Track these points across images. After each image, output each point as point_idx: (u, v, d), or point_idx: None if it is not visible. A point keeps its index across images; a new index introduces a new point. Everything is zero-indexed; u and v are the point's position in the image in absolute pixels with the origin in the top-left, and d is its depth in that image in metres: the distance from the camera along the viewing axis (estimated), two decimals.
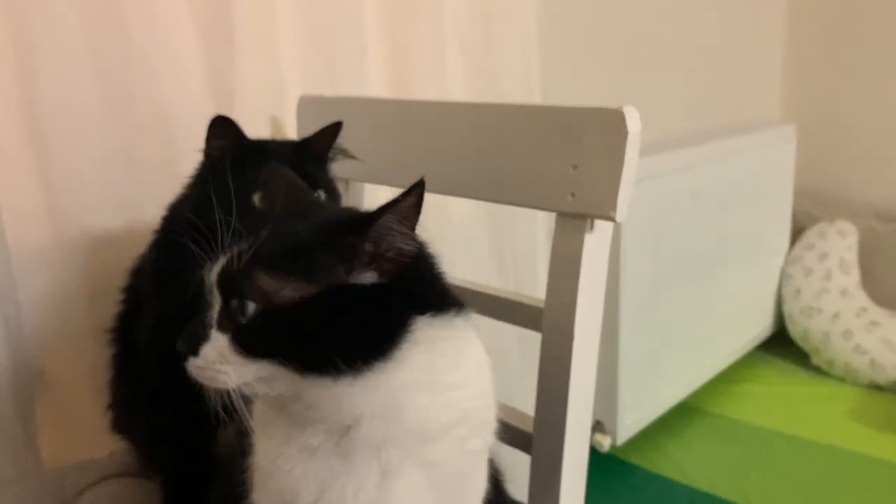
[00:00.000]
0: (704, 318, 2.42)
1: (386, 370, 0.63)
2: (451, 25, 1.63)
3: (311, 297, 0.62)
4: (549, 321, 0.98)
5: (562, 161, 0.94)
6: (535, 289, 1.82)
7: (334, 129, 1.07)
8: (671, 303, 2.26)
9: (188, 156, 1.29)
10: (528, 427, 1.02)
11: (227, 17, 1.31)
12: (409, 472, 0.67)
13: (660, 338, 2.26)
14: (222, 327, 0.64)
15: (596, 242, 0.95)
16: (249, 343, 0.63)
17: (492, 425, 0.75)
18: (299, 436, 0.66)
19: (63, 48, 1.19)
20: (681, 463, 2.18)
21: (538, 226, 1.90)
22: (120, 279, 1.17)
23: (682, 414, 2.37)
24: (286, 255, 0.64)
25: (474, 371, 0.73)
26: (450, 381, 0.69)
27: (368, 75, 1.52)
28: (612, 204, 0.90)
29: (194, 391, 1.00)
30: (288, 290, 0.62)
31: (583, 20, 2.12)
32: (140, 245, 1.18)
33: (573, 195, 0.94)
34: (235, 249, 0.66)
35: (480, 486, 0.77)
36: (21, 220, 1.19)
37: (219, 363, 0.64)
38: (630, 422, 2.16)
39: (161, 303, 1.01)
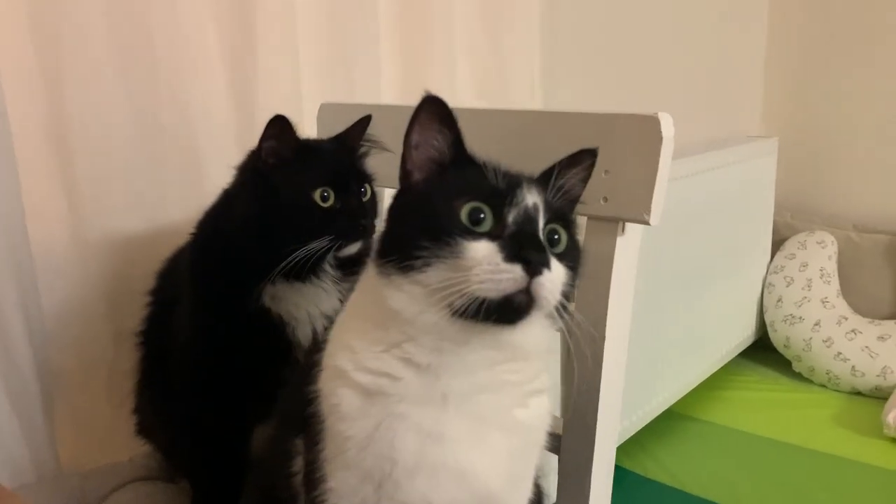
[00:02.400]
0: (690, 327, 2.46)
1: (558, 324, 0.71)
2: (461, 36, 1.67)
3: (575, 240, 0.73)
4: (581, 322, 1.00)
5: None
6: None
7: (364, 122, 1.08)
8: (658, 313, 2.30)
9: (211, 161, 1.31)
10: (557, 428, 1.04)
11: (250, 27, 1.33)
12: (499, 433, 0.71)
13: (648, 346, 2.29)
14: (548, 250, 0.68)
15: (626, 245, 0.98)
16: (570, 269, 0.69)
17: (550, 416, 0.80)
18: (430, 384, 0.68)
19: (88, 54, 1.20)
20: (671, 468, 2.21)
21: None
22: (141, 283, 1.17)
23: (670, 420, 2.40)
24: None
25: None
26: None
27: (382, 82, 1.55)
28: (647, 207, 0.93)
29: (233, 389, 1.01)
30: (570, 231, 0.72)
31: (579, 35, 2.17)
32: (162, 248, 1.19)
33: (605, 199, 0.96)
34: (552, 182, 0.73)
35: (536, 465, 0.80)
36: (44, 223, 1.19)
37: (560, 280, 0.67)
38: (621, 428, 2.19)
39: (200, 303, 1.01)
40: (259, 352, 1.00)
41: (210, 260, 1.01)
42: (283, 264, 0.94)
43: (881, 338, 2.59)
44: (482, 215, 0.67)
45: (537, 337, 0.70)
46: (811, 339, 2.67)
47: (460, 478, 0.69)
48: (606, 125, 0.96)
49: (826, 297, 2.72)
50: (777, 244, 2.90)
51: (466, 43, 1.70)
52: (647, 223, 0.94)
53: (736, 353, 2.76)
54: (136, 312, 1.18)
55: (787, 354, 2.77)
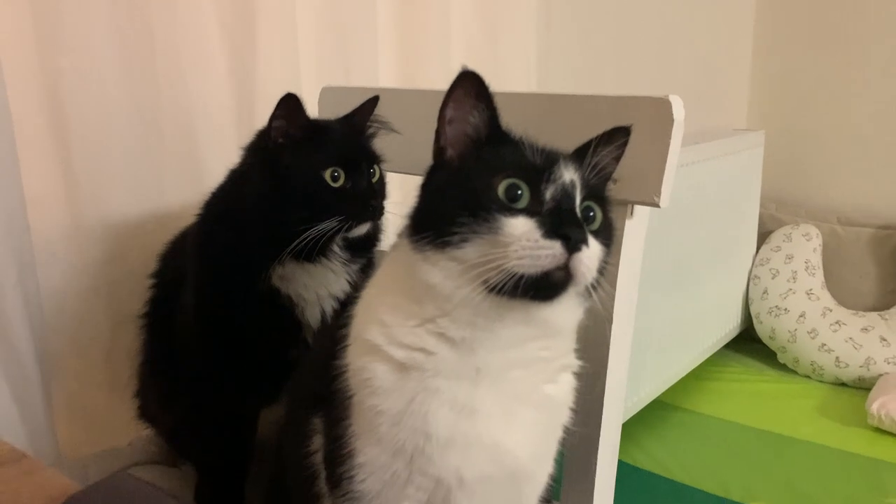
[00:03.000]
0: (676, 318, 2.48)
1: (589, 302, 0.71)
2: (456, 21, 1.67)
3: (609, 217, 0.74)
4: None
5: None
6: None
7: (372, 103, 1.08)
8: (645, 304, 2.30)
9: (209, 147, 1.30)
10: None
11: (250, 13, 1.32)
12: (530, 408, 0.72)
13: (635, 337, 2.29)
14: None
15: (635, 228, 0.99)
16: (604, 244, 0.70)
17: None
18: (466, 359, 0.68)
19: (88, 40, 1.19)
20: (659, 457, 2.23)
21: None
22: (140, 268, 1.16)
23: (658, 410, 2.41)
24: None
25: None
26: None
27: (379, 67, 1.54)
28: (657, 190, 0.93)
29: (240, 371, 1.00)
30: (605, 208, 0.73)
31: (572, 24, 2.18)
32: (161, 233, 1.18)
33: (615, 182, 0.96)
34: (588, 160, 0.73)
35: (555, 450, 0.80)
36: (42, 209, 1.18)
37: (597, 257, 0.67)
38: None
39: (208, 285, 1.00)
40: (267, 333, 0.99)
41: (218, 241, 1.00)
42: (292, 244, 0.93)
43: (865, 329, 2.63)
44: (519, 192, 0.67)
45: (569, 314, 0.71)
46: (796, 330, 2.70)
47: (493, 452, 0.69)
48: (617, 108, 0.97)
49: (811, 289, 2.75)
50: (762, 237, 2.92)
51: (462, 28, 1.70)
52: (657, 205, 0.94)
53: (722, 345, 2.79)
54: (135, 297, 1.16)
55: (773, 346, 2.80)
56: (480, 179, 0.68)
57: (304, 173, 0.95)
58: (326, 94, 1.31)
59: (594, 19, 2.27)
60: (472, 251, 0.65)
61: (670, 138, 0.92)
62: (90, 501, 0.67)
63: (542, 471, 0.78)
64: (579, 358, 0.78)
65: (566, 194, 0.68)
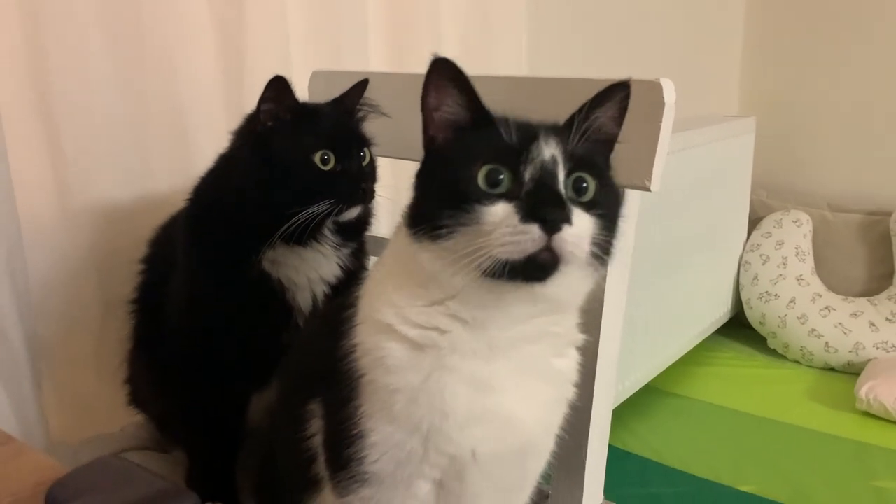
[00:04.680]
0: (667, 304, 2.49)
1: (606, 267, 0.70)
2: (448, 5, 1.66)
3: (609, 183, 0.71)
4: None
5: None
6: None
7: (361, 86, 1.07)
8: (635, 290, 2.30)
9: (199, 131, 1.29)
10: None
11: None
12: (540, 383, 0.72)
13: (626, 323, 2.30)
14: (572, 201, 0.66)
15: (626, 213, 0.98)
16: (602, 217, 0.67)
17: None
18: (477, 337, 0.69)
19: (74, 23, 1.17)
20: (651, 442, 2.25)
21: None
22: (130, 253, 1.15)
23: (648, 395, 2.43)
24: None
25: None
26: None
27: (369, 50, 1.53)
28: (648, 174, 0.93)
29: (230, 356, 1.00)
30: (602, 175, 0.70)
31: (563, 7, 2.17)
32: (150, 218, 1.17)
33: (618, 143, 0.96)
34: (575, 127, 0.70)
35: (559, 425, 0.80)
36: (31, 194, 1.17)
37: (587, 232, 0.65)
38: None
39: (199, 270, 1.00)
40: (258, 317, 0.99)
41: (208, 225, 0.99)
42: (283, 228, 0.92)
43: (854, 315, 2.65)
44: (501, 176, 0.66)
45: (574, 288, 0.70)
46: (786, 315, 2.72)
47: (508, 427, 0.70)
48: None
49: (801, 275, 2.77)
50: (753, 223, 2.94)
51: (452, 12, 1.70)
52: (648, 189, 0.94)
53: (712, 330, 2.81)
54: (124, 283, 1.16)
55: (763, 331, 2.82)
56: (460, 169, 0.67)
57: (293, 156, 0.95)
58: (316, 77, 1.30)
59: (585, 3, 2.27)
60: (461, 242, 0.65)
61: (661, 121, 0.91)
62: (78, 482, 0.67)
63: (547, 446, 0.78)
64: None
65: (545, 172, 0.67)
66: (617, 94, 0.74)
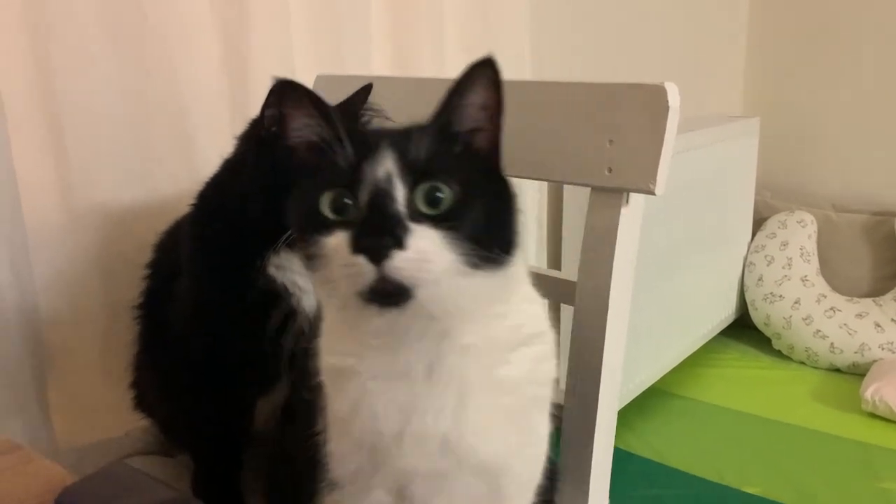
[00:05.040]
0: (672, 306, 2.49)
1: (509, 265, 0.65)
2: (450, 7, 1.67)
3: (481, 182, 0.65)
4: (584, 294, 1.00)
5: (598, 136, 0.97)
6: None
7: (365, 91, 1.07)
8: (640, 292, 2.29)
9: (202, 134, 1.29)
10: (558, 398, 1.04)
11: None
12: (483, 393, 0.68)
13: (630, 325, 2.30)
14: (417, 218, 0.61)
15: (630, 216, 0.98)
16: (454, 229, 0.61)
17: (556, 350, 0.76)
18: (388, 362, 0.67)
19: (78, 26, 1.18)
20: (655, 443, 2.24)
21: (525, 195, 1.94)
22: (135, 256, 1.16)
23: (653, 397, 2.43)
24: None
25: (535, 291, 0.77)
26: (531, 293, 0.74)
27: (372, 54, 1.54)
28: (653, 177, 0.93)
29: (236, 361, 1.00)
30: (469, 175, 0.63)
31: (566, 10, 2.17)
32: (155, 221, 1.17)
33: (610, 170, 0.96)
34: (413, 136, 0.64)
35: (547, 419, 0.77)
36: (35, 196, 1.18)
37: (431, 253, 0.60)
38: None
39: (204, 275, 1.00)
40: (263, 322, 0.99)
41: (213, 230, 1.00)
42: (288, 233, 0.92)
43: (859, 315, 2.64)
44: (346, 200, 0.62)
45: (463, 298, 0.63)
46: (791, 317, 2.71)
47: (446, 447, 0.68)
48: (611, 95, 0.96)
49: (806, 276, 2.76)
50: (757, 223, 2.93)
51: (455, 16, 1.70)
52: (652, 193, 0.94)
53: (717, 332, 2.80)
54: (129, 286, 1.16)
55: (767, 332, 2.81)
56: (308, 196, 0.64)
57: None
58: (320, 81, 1.30)
59: (588, 5, 2.27)
60: (323, 272, 0.62)
61: (666, 125, 0.91)
62: (86, 491, 0.67)
63: (520, 463, 0.73)
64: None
65: (378, 192, 0.61)
66: (480, 76, 0.66)
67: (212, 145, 1.20)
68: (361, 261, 0.58)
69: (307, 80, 1.30)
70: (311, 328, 0.77)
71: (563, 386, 1.05)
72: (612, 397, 1.02)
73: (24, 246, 1.16)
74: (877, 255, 2.78)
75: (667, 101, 0.91)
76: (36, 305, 1.19)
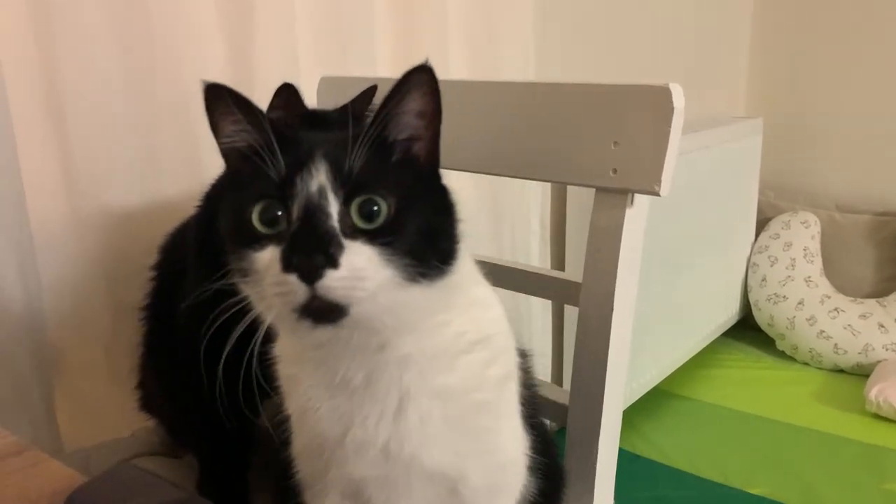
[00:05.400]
0: (675, 306, 2.49)
1: (448, 275, 0.63)
2: (454, 11, 1.67)
3: (419, 192, 0.63)
4: (588, 295, 1.00)
5: (603, 138, 0.97)
6: (528, 259, 1.99)
7: (369, 93, 1.07)
8: (644, 292, 2.29)
9: (208, 136, 1.28)
10: (563, 399, 1.05)
11: (248, 2, 1.31)
12: (424, 401, 0.67)
13: (634, 325, 2.30)
14: (351, 234, 0.59)
15: (635, 217, 0.98)
16: (390, 245, 0.59)
17: (512, 353, 0.76)
18: (327, 373, 0.66)
19: (84, 26, 1.18)
20: (660, 444, 2.25)
21: (529, 196, 1.95)
22: (140, 258, 1.16)
23: (657, 397, 2.43)
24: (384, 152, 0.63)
25: (490, 294, 0.76)
26: (476, 297, 0.73)
27: (377, 57, 1.54)
28: (657, 178, 0.93)
29: (241, 360, 1.00)
30: (406, 185, 0.62)
31: (569, 12, 2.18)
32: (160, 223, 1.17)
33: (615, 171, 0.97)
34: (348, 145, 0.61)
35: (509, 424, 0.75)
36: (41, 199, 1.18)
37: (365, 270, 0.58)
38: None
39: (206, 276, 1.00)
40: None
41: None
42: None
43: (863, 316, 2.64)
44: (278, 212, 0.60)
45: (402, 309, 0.62)
46: (794, 317, 2.72)
47: (385, 453, 0.67)
48: (616, 96, 0.97)
49: (809, 277, 2.76)
50: (761, 224, 2.94)
51: (459, 18, 1.70)
52: (657, 194, 0.94)
53: (721, 332, 2.81)
54: (135, 288, 1.16)
55: (771, 333, 2.81)
56: (239, 207, 0.61)
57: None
58: (325, 83, 1.31)
59: (592, 7, 2.27)
60: (252, 288, 0.61)
61: (670, 127, 0.92)
62: (95, 492, 0.67)
63: (473, 468, 0.71)
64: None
65: (311, 207, 0.59)
66: (417, 82, 0.63)
67: (217, 149, 1.20)
68: (293, 279, 0.56)
69: (312, 82, 1.31)
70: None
71: (567, 387, 1.05)
72: (616, 398, 1.03)
73: (30, 248, 1.16)
74: (881, 255, 2.78)
75: (671, 102, 0.91)
76: (42, 307, 1.19)
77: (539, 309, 2.11)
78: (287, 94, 0.96)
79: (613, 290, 0.98)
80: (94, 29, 1.18)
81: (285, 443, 0.75)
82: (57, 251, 1.20)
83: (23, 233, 1.14)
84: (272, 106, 0.97)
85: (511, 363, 0.75)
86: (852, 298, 2.73)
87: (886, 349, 2.57)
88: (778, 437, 2.31)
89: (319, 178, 0.60)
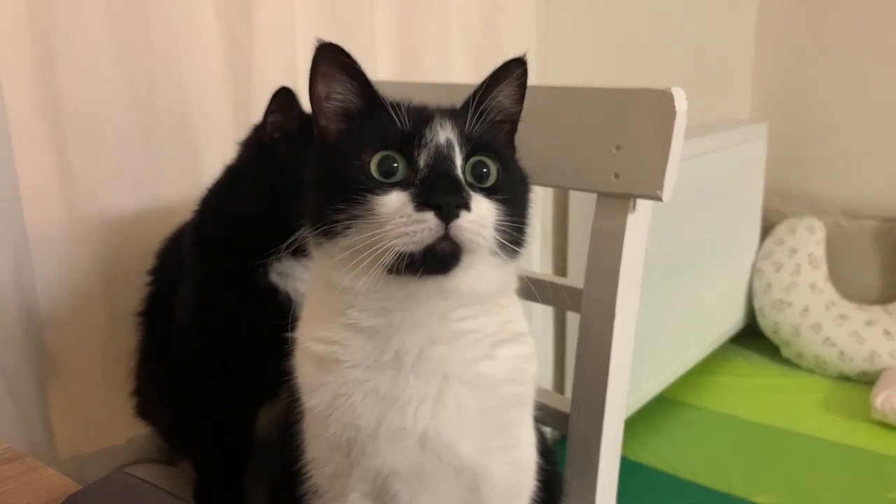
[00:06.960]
0: (679, 313, 2.47)
1: (519, 257, 0.69)
2: (456, 13, 1.66)
3: (514, 169, 0.70)
4: (590, 301, 0.99)
5: (605, 142, 0.96)
6: (529, 265, 1.90)
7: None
8: (647, 299, 2.29)
9: (206, 140, 1.29)
10: (564, 407, 1.03)
11: (247, 4, 1.31)
12: (463, 391, 0.68)
13: (638, 332, 2.29)
14: (473, 187, 0.64)
15: (638, 222, 0.98)
16: (505, 202, 0.65)
17: (535, 367, 0.76)
18: (380, 344, 0.66)
19: (83, 29, 1.17)
20: (663, 453, 2.23)
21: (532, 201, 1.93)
22: (137, 264, 1.15)
23: (661, 405, 2.41)
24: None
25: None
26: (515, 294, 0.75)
27: (378, 61, 1.53)
28: (660, 183, 0.92)
29: (238, 368, 0.99)
30: (505, 160, 0.68)
31: (573, 17, 2.17)
32: (158, 228, 1.17)
33: (617, 176, 0.96)
34: (472, 109, 0.68)
35: (529, 423, 0.76)
36: (38, 204, 1.17)
37: (488, 219, 0.63)
38: None
39: (205, 282, 1.00)
40: (265, 330, 0.98)
41: (216, 237, 0.99)
42: (290, 240, 0.92)
43: (868, 323, 2.62)
44: (395, 164, 0.64)
45: (485, 279, 0.67)
46: (800, 324, 2.70)
47: (422, 441, 0.67)
48: (618, 100, 0.96)
49: (815, 283, 2.74)
50: (766, 230, 2.92)
51: (461, 21, 1.69)
52: (659, 199, 0.93)
53: (725, 339, 2.79)
54: (131, 293, 1.16)
55: (776, 340, 2.79)
56: (353, 159, 0.64)
57: (300, 168, 0.94)
58: None
59: (595, 10, 2.26)
60: (357, 237, 0.62)
61: (673, 131, 0.91)
62: (89, 500, 0.66)
63: (497, 466, 0.72)
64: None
65: (441, 156, 0.64)
66: (513, 71, 0.72)
67: (215, 152, 1.19)
68: (430, 217, 0.60)
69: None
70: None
71: (568, 394, 1.04)
72: (618, 406, 1.01)
73: (27, 252, 1.15)
74: (887, 261, 2.76)
75: (674, 106, 0.90)
76: (38, 312, 1.18)
77: (540, 315, 2.10)
78: (284, 98, 0.95)
79: (615, 295, 0.97)
80: (93, 32, 1.18)
81: (295, 449, 0.74)
82: (53, 256, 1.19)
83: (19, 237, 1.14)
84: (269, 109, 0.96)
85: (536, 362, 0.76)
86: (858, 305, 2.71)
87: (892, 356, 2.55)
88: (782, 446, 2.28)
89: (447, 132, 0.65)
